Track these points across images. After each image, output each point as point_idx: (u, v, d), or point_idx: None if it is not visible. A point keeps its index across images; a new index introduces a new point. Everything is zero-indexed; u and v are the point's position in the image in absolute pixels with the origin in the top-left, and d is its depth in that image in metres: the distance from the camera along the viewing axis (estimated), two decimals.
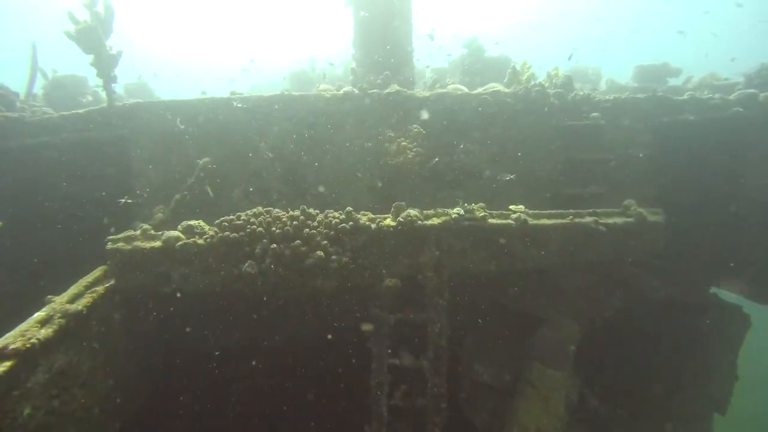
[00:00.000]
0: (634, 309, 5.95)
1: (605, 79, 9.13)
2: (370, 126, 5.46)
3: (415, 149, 5.13)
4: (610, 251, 5.11)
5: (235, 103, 5.23)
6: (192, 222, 4.22)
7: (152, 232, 4.19)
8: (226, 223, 4.10)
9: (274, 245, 3.96)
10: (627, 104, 5.77)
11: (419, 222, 4.36)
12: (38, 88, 7.91)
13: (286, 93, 5.40)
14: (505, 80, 6.48)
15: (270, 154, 5.23)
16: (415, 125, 5.31)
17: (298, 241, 4.01)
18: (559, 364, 5.00)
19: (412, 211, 4.39)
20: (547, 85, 5.85)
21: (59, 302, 3.48)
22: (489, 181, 5.64)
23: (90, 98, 7.80)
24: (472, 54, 8.19)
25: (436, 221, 4.47)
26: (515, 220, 4.59)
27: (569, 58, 10.69)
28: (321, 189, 5.35)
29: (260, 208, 4.26)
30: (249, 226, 4.06)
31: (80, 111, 5.15)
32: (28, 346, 3.01)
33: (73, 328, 3.46)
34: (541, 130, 5.69)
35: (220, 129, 5.27)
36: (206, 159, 4.99)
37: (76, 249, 5.00)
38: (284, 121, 5.35)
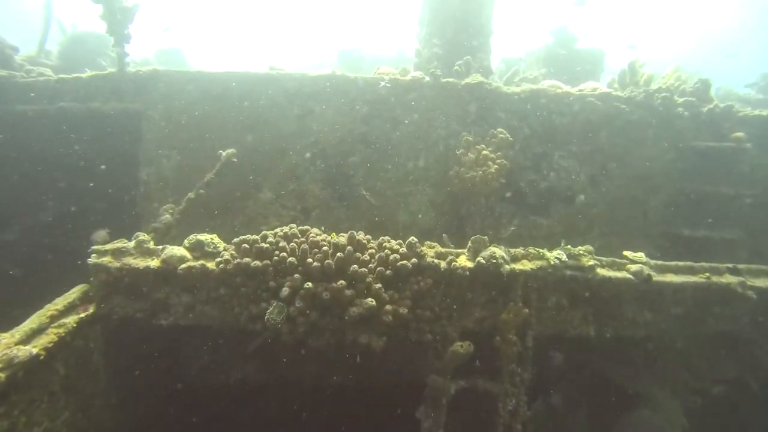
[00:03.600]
0: (751, 383, 4.62)
1: (714, 89, 7.57)
2: (441, 124, 4.27)
3: (499, 161, 3.91)
4: (748, 320, 3.85)
5: (273, 81, 4.12)
6: (202, 236, 3.16)
7: (150, 245, 3.15)
8: (246, 245, 3.01)
9: (309, 284, 2.86)
10: None
11: (506, 266, 3.17)
12: (55, 45, 6.98)
13: (337, 73, 4.26)
14: (610, 79, 5.15)
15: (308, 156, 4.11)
16: (499, 129, 4.09)
17: (342, 282, 2.89)
18: None
19: (497, 250, 3.21)
20: (672, 89, 4.50)
21: (6, 343, 2.48)
22: (583, 209, 4.40)
23: (105, 63, 6.78)
24: (560, 44, 6.81)
25: (527, 266, 3.28)
26: (635, 274, 3.35)
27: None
28: (370, 198, 4.22)
29: (294, 227, 3.16)
30: (277, 253, 2.97)
31: (83, 75, 4.14)
32: None
33: (21, 379, 2.46)
34: (660, 148, 4.38)
35: (253, 114, 4.19)
36: (231, 150, 3.91)
37: (62, 248, 4.04)
38: (331, 109, 4.22)
